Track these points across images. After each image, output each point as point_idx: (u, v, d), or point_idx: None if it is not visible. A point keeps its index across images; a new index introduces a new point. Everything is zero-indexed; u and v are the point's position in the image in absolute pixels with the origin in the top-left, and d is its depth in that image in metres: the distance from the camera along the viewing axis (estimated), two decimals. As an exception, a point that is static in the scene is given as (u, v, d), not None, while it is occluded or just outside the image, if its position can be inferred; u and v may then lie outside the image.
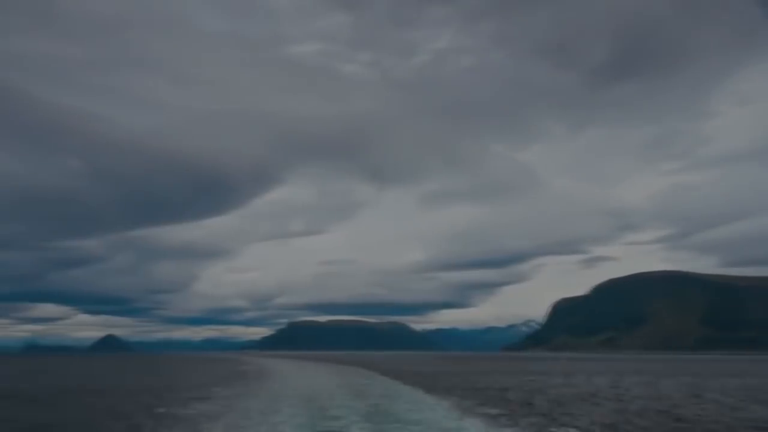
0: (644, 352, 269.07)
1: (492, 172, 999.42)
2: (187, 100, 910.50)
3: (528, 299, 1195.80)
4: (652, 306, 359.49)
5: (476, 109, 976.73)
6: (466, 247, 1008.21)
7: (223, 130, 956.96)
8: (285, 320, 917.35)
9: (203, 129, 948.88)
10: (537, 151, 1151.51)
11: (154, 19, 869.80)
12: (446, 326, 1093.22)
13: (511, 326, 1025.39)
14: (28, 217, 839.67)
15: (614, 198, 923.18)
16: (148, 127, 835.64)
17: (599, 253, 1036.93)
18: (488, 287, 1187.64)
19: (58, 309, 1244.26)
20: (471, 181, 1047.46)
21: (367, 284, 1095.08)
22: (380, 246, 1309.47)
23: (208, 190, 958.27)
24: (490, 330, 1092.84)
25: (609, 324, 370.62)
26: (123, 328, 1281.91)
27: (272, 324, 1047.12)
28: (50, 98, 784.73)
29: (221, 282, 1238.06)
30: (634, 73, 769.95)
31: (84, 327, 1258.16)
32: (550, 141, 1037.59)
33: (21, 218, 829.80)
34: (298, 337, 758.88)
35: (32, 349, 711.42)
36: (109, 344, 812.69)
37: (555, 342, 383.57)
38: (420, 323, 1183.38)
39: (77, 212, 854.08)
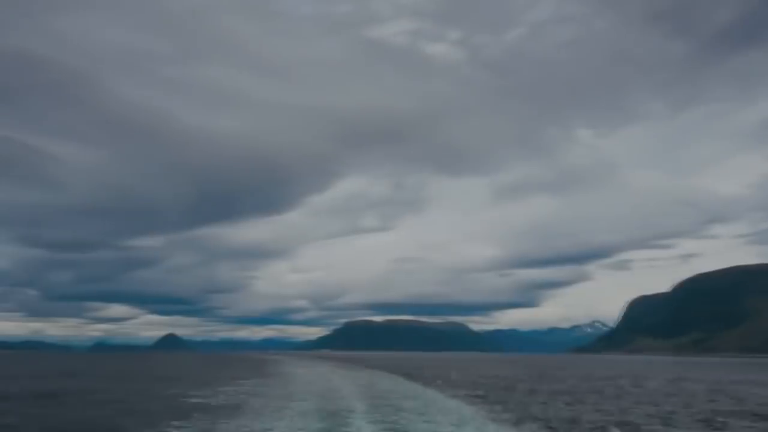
0: (742, 354, 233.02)
1: (575, 161, 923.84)
2: (261, 93, 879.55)
3: (595, 298, 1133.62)
4: (749, 303, 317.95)
5: (567, 89, 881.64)
6: (541, 242, 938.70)
7: (295, 124, 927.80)
8: (345, 320, 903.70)
9: (276, 124, 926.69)
10: (627, 136, 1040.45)
11: (235, 3, 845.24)
12: (506, 327, 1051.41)
13: (576, 327, 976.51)
14: (106, 216, 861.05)
15: (705, 186, 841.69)
16: (219, 122, 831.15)
17: (684, 248, 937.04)
18: (558, 285, 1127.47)
19: (127, 309, 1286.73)
20: (551, 171, 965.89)
21: (435, 283, 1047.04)
22: (451, 242, 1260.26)
23: (280, 185, 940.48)
24: (552, 331, 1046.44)
25: (696, 324, 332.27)
26: (187, 327, 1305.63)
27: (332, 324, 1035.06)
28: (125, 92, 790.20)
29: (285, 282, 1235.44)
30: (760, 41, 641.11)
31: (150, 327, 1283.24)
32: (645, 123, 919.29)
33: (100, 217, 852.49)
34: (354, 337, 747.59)
35: (99, 348, 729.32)
36: (169, 343, 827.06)
37: (634, 344, 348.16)
38: (481, 324, 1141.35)
39: (147, 210, 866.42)
